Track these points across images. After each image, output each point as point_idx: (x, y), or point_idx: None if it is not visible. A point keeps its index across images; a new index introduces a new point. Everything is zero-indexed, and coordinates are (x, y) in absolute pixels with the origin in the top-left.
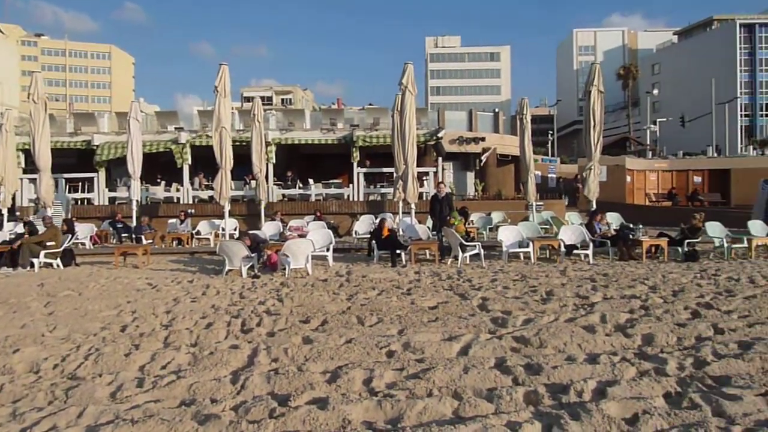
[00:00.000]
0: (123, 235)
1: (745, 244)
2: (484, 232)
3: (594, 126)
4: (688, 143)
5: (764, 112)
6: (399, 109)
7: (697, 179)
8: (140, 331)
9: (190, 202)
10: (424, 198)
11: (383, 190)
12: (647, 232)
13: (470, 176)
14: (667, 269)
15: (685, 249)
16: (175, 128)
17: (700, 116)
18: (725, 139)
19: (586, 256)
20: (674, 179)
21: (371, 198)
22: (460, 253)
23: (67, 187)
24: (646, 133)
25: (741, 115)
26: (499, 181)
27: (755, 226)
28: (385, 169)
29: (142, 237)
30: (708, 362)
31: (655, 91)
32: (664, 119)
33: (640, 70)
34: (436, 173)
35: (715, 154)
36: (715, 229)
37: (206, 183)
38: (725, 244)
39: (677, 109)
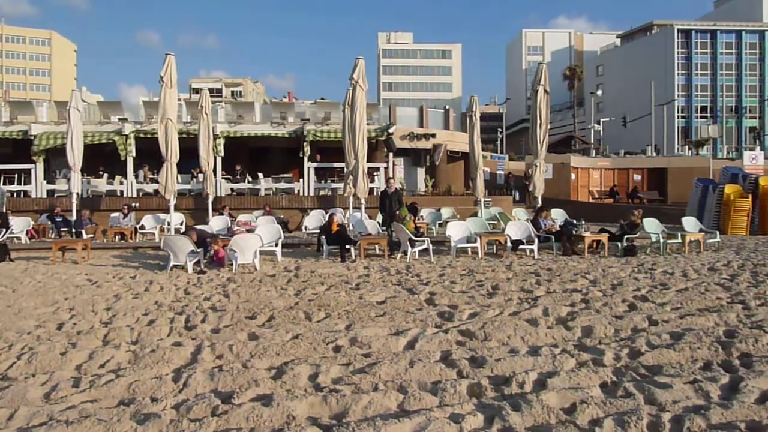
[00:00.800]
0: (62, 229)
1: (680, 240)
2: (433, 228)
3: (540, 124)
4: (630, 143)
5: (699, 114)
6: (350, 103)
7: (637, 177)
8: (78, 329)
9: (134, 195)
10: (375, 193)
11: (334, 185)
12: (589, 228)
13: (420, 172)
14: (607, 264)
15: (624, 244)
16: (119, 119)
17: (640, 117)
18: (663, 140)
19: (532, 251)
20: (616, 177)
21: (321, 193)
22: (409, 249)
23: (2, 178)
24: (591, 132)
25: (678, 117)
26: (449, 177)
27: (689, 222)
28: (335, 164)
29: (83, 231)
30: (642, 352)
31: (599, 92)
32: (608, 119)
33: (585, 71)
34: (386, 168)
35: (654, 154)
36: (652, 226)
37: (151, 176)
38: (661, 240)
39: (620, 110)
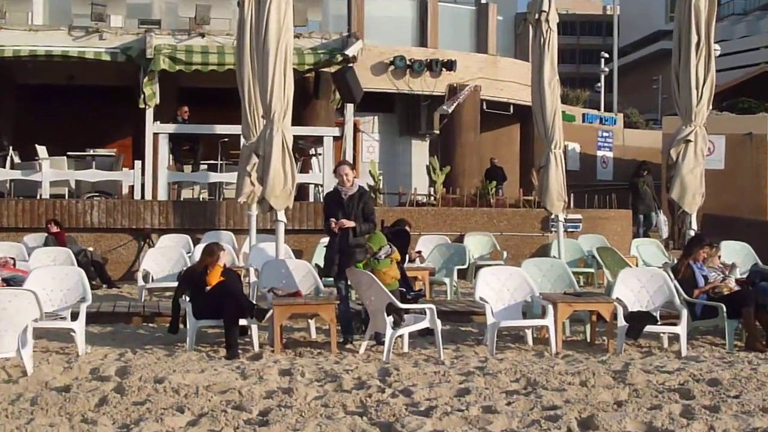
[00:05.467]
0: None
1: None
2: (446, 281)
3: (699, 47)
4: None
5: None
6: None
7: None
8: None
9: None
10: (314, 198)
11: (215, 178)
12: None
13: (419, 148)
14: None
15: None
16: None
17: None
18: None
19: (675, 337)
20: None
21: (186, 195)
22: (389, 328)
23: None
24: None
25: None
26: (484, 162)
27: None
28: (219, 129)
29: None
30: None
31: None
32: None
33: None
34: (339, 141)
35: None
36: None
37: None
38: None
39: None
